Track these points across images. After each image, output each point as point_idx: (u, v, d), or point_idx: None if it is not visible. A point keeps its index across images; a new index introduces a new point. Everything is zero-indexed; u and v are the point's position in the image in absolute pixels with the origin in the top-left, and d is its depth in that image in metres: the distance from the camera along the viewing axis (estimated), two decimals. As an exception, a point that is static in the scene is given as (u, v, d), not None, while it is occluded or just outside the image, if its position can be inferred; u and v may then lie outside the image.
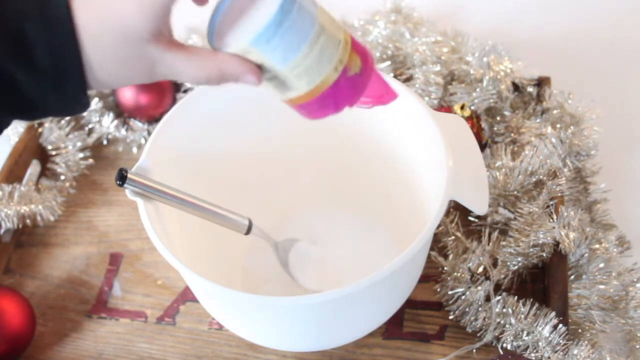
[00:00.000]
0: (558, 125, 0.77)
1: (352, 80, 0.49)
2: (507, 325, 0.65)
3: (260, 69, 0.47)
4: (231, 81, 0.48)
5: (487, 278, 0.68)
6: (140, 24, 0.44)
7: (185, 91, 0.89)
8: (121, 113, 0.90)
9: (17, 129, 0.89)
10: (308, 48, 0.46)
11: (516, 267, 0.69)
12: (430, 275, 0.72)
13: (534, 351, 0.64)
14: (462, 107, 0.76)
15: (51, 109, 0.47)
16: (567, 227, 0.68)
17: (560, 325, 0.64)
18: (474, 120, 0.76)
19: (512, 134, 0.80)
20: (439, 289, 0.71)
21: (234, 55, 0.47)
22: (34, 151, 0.87)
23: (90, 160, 0.88)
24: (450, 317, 0.69)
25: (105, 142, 0.90)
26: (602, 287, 0.68)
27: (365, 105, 0.53)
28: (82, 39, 0.44)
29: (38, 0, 0.44)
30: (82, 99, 0.46)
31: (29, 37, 0.43)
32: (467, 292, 0.68)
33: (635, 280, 0.70)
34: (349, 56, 0.49)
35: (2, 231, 0.81)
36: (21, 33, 0.43)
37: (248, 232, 0.63)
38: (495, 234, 0.72)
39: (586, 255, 0.68)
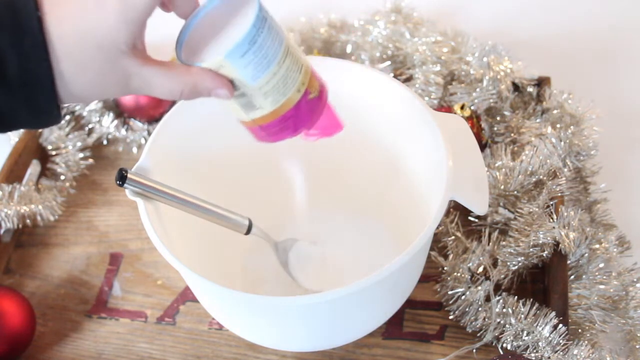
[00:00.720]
0: (558, 125, 0.77)
1: (312, 104, 0.52)
2: (507, 325, 0.65)
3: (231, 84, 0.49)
4: (204, 95, 0.48)
5: (487, 278, 0.69)
6: (118, 36, 0.44)
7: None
8: (121, 113, 0.90)
9: (17, 129, 0.89)
10: (277, 67, 0.49)
11: (516, 267, 0.69)
12: (430, 275, 0.72)
13: (534, 351, 0.64)
14: (462, 107, 0.76)
15: (22, 122, 0.46)
16: (567, 227, 0.68)
17: (560, 325, 0.64)
18: (474, 120, 0.76)
19: (512, 134, 0.80)
20: (439, 289, 0.71)
21: (207, 70, 0.48)
22: (34, 151, 0.87)
23: (90, 160, 0.88)
24: (450, 317, 0.69)
25: (105, 142, 0.90)
26: (602, 287, 0.68)
27: (313, 137, 0.56)
28: (56, 51, 0.44)
29: (8, 12, 0.43)
30: (54, 113, 0.46)
31: (0, 50, 0.43)
32: (467, 292, 0.68)
33: (635, 280, 0.70)
34: (309, 80, 0.51)
35: (2, 231, 0.81)
36: None
37: (248, 232, 0.63)
38: (495, 234, 0.72)
39: (586, 255, 0.68)
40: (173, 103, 0.89)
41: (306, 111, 0.52)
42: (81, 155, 0.87)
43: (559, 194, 0.71)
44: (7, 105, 0.44)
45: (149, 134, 0.88)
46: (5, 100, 0.44)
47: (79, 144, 0.88)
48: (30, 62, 0.43)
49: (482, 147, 0.77)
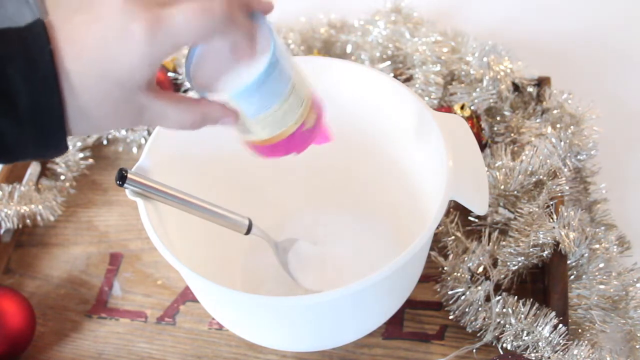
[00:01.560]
0: (558, 125, 0.77)
1: (305, 134, 0.53)
2: (507, 325, 0.65)
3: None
4: (211, 124, 0.50)
5: (487, 278, 0.69)
6: (139, 75, 0.44)
7: (185, 91, 0.89)
8: (121, 113, 0.90)
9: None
10: (278, 105, 0.50)
11: (516, 267, 0.69)
12: (430, 275, 0.72)
13: (534, 351, 0.64)
14: (462, 107, 0.76)
15: (28, 154, 0.46)
16: (567, 227, 0.68)
17: (560, 325, 0.64)
18: (474, 120, 0.76)
19: (512, 134, 0.80)
20: (439, 289, 0.71)
21: (215, 101, 0.49)
22: (34, 151, 0.87)
23: (90, 160, 0.88)
24: (450, 317, 0.69)
25: (105, 142, 0.90)
26: (602, 287, 0.68)
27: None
28: (74, 87, 0.43)
29: (20, 45, 0.43)
30: (61, 145, 0.46)
31: (12, 84, 0.42)
32: (467, 292, 0.68)
33: (635, 280, 0.70)
34: (308, 112, 0.53)
35: (2, 231, 0.81)
36: (4, 79, 0.42)
37: (248, 232, 0.63)
38: (495, 234, 0.72)
39: (586, 255, 0.68)
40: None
41: (299, 141, 0.54)
42: (81, 155, 0.87)
43: (559, 194, 0.71)
44: (16, 137, 0.44)
45: (149, 134, 0.88)
46: (14, 132, 0.43)
47: (79, 143, 0.88)
48: (41, 96, 0.43)
49: (482, 147, 0.77)
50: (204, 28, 0.44)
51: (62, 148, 0.46)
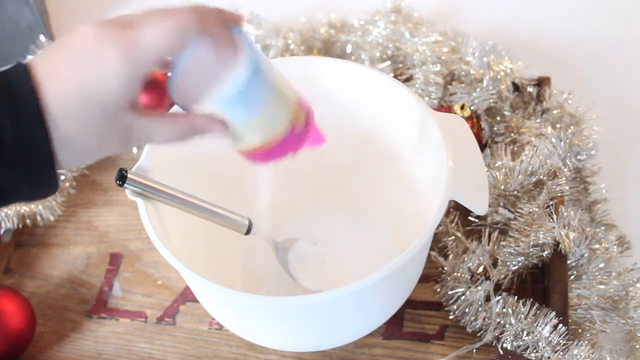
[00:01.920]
0: (558, 125, 0.77)
1: (297, 135, 0.54)
2: (507, 325, 0.65)
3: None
4: (200, 135, 0.50)
5: (487, 278, 0.69)
6: (120, 95, 0.44)
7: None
8: (121, 113, 0.90)
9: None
10: (264, 110, 0.50)
11: (516, 267, 0.69)
12: (430, 275, 0.72)
13: (534, 351, 0.64)
14: (462, 107, 0.76)
15: (20, 195, 0.46)
16: (567, 227, 0.68)
17: (560, 325, 0.64)
18: (474, 120, 0.76)
19: (512, 134, 0.80)
20: (439, 289, 0.71)
21: (200, 113, 0.49)
22: (34, 151, 0.87)
23: (90, 160, 0.88)
24: (450, 317, 0.69)
25: (105, 142, 0.90)
26: (602, 287, 0.68)
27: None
28: (57, 119, 0.43)
29: (1, 84, 0.42)
30: (53, 183, 0.46)
31: None
32: (467, 292, 0.68)
33: (635, 280, 0.70)
34: (296, 114, 0.53)
35: (2, 231, 0.81)
36: None
37: (248, 232, 0.63)
38: (495, 234, 0.72)
39: (586, 255, 0.68)
40: (173, 103, 0.89)
41: (292, 142, 0.54)
42: (81, 155, 0.87)
43: (559, 194, 0.71)
44: (7, 178, 0.44)
45: (149, 134, 0.88)
46: (4, 174, 0.43)
47: (79, 144, 0.88)
48: (27, 133, 0.43)
49: (482, 147, 0.77)
50: (176, 42, 0.45)
51: (53, 185, 0.46)
